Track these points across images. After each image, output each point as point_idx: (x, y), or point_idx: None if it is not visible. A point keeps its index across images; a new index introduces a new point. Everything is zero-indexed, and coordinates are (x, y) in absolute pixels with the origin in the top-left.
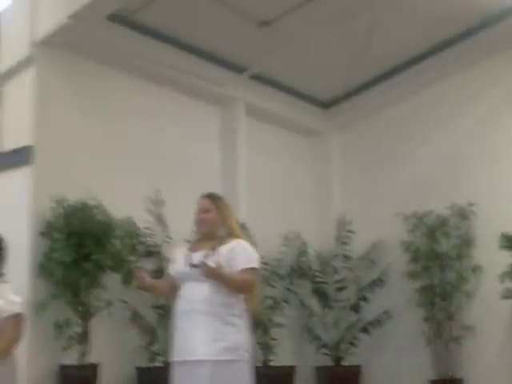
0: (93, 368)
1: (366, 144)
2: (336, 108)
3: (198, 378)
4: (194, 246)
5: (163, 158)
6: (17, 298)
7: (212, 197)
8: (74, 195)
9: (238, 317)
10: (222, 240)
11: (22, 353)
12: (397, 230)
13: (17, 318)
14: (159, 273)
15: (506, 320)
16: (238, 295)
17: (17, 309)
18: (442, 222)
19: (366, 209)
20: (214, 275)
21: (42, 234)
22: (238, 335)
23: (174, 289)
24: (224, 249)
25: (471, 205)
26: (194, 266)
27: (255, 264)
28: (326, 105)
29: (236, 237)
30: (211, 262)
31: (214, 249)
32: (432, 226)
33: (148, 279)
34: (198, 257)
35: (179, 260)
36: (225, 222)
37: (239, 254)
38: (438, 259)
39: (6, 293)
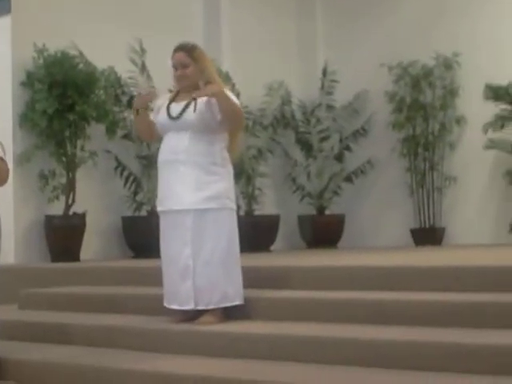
0: (79, 217)
1: None
2: None
3: (180, 227)
4: (175, 96)
5: (145, 7)
6: None
7: (187, 49)
8: (54, 45)
9: (220, 165)
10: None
11: (8, 204)
12: (381, 80)
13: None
14: None
15: (488, 170)
16: (219, 143)
17: None
18: (427, 73)
19: (351, 59)
20: (216, 89)
21: (24, 84)
22: (220, 184)
23: (153, 134)
24: (203, 98)
25: (456, 55)
26: (172, 117)
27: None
28: None
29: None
30: (191, 112)
31: (193, 99)
32: (416, 76)
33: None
34: (176, 108)
35: (161, 110)
36: (203, 72)
37: None
38: (422, 109)
39: None
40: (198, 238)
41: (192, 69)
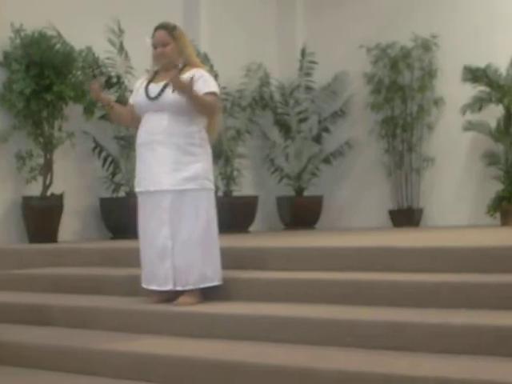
0: (56, 198)
1: None
2: None
3: (159, 208)
4: (153, 77)
5: None
6: None
7: (168, 28)
8: (32, 25)
9: (199, 146)
10: (180, 70)
11: None
12: (360, 62)
13: None
14: (121, 103)
15: (465, 152)
16: (198, 124)
17: None
18: (405, 54)
19: (329, 40)
20: (182, 86)
21: (1, 64)
22: (199, 164)
23: (134, 118)
24: (182, 78)
25: (434, 37)
26: (150, 97)
27: (214, 89)
28: None
29: (194, 66)
30: (169, 93)
31: (172, 79)
32: (395, 57)
33: (104, 94)
34: (155, 88)
35: (139, 91)
36: (182, 52)
37: (198, 81)
38: (401, 91)
39: None
40: (177, 218)
41: (171, 47)
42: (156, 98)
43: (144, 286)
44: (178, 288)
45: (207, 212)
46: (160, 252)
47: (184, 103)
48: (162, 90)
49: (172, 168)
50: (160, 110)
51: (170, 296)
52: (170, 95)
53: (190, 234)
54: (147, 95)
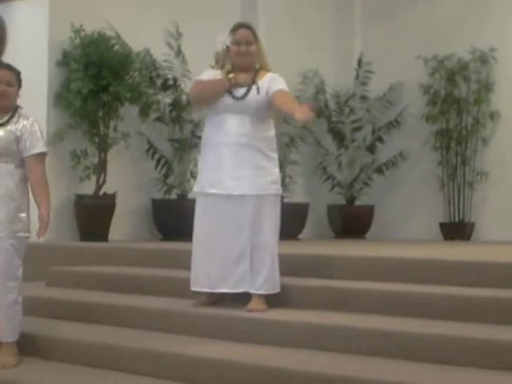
0: (109, 198)
1: None
2: None
3: (240, 212)
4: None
5: None
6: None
7: (251, 28)
8: (91, 25)
9: (276, 151)
10: (257, 73)
11: None
12: (416, 73)
13: (42, 156)
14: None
15: None
16: (273, 129)
17: (42, 147)
18: (462, 66)
19: (387, 50)
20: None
21: (59, 63)
22: (276, 169)
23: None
24: (264, 82)
25: (492, 50)
26: (236, 97)
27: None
28: None
29: (268, 71)
30: (254, 94)
31: (255, 83)
32: (452, 69)
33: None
34: (241, 91)
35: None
36: (261, 54)
37: (276, 81)
38: (456, 103)
39: (29, 128)
40: (256, 222)
41: (255, 48)
42: (242, 98)
43: (193, 288)
44: (252, 291)
45: (279, 217)
46: (238, 255)
47: (265, 107)
48: (248, 91)
49: (255, 173)
50: (242, 112)
51: (216, 298)
52: (256, 96)
53: (267, 238)
54: (232, 95)
